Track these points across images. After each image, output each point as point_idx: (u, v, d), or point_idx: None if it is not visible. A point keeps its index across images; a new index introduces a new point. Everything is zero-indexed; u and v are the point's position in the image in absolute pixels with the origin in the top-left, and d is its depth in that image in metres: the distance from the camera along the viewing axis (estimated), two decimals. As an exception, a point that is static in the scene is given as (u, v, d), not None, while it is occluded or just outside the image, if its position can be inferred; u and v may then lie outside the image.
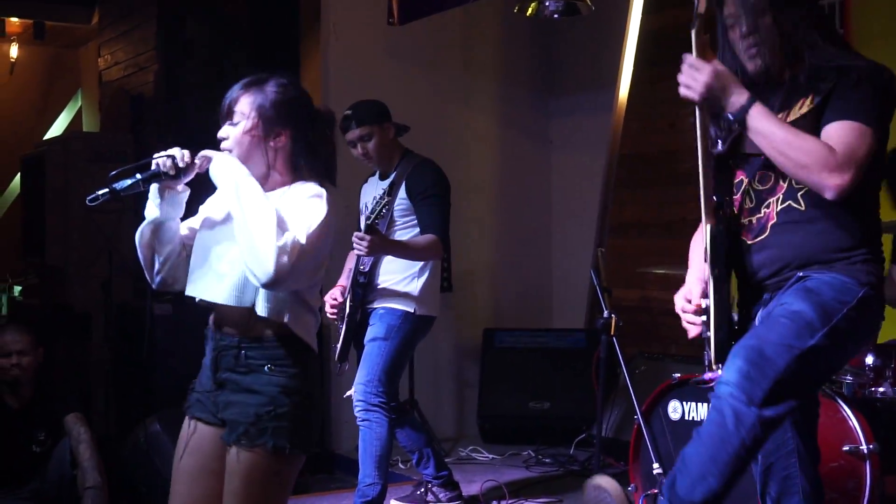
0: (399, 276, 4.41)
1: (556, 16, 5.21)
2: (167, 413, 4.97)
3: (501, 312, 6.48)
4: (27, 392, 4.61)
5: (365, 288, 4.41)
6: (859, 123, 2.51)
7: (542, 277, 6.64)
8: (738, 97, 2.55)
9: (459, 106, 6.30)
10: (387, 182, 4.44)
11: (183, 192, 2.78)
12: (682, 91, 2.58)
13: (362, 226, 4.45)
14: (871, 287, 2.62)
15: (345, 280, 4.59)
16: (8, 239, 8.90)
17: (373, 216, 4.17)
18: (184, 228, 2.83)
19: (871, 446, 3.62)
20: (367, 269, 4.41)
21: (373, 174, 4.69)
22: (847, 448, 3.61)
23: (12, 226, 8.50)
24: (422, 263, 4.41)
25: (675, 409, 3.96)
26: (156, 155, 2.68)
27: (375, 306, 4.43)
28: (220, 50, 6.36)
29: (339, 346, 4.49)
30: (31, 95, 10.22)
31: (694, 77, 2.56)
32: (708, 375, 2.70)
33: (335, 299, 4.49)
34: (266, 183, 2.69)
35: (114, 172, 2.67)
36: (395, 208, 4.40)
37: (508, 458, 5.65)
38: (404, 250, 4.34)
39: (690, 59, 2.56)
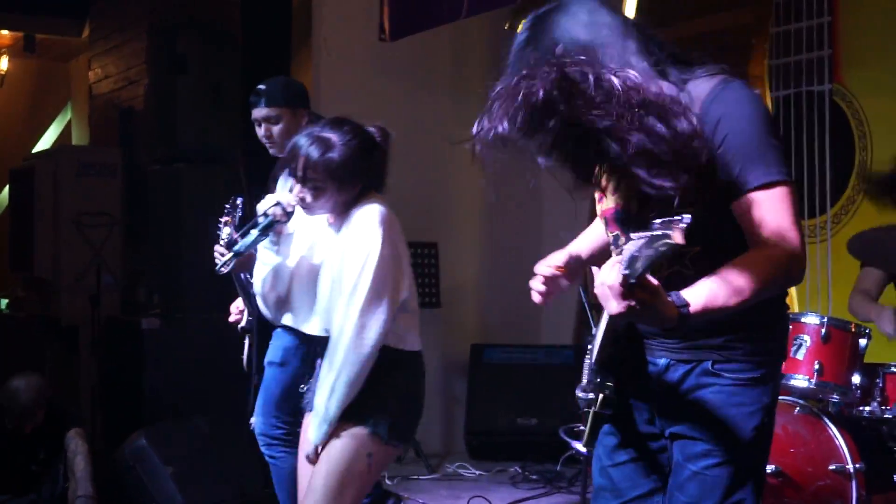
0: None
1: (546, 33, 5.22)
2: (153, 428, 4.95)
3: (489, 328, 6.47)
4: (39, 419, 4.67)
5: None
6: (777, 187, 2.01)
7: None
8: (668, 318, 1.90)
9: (449, 121, 6.31)
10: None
11: (289, 233, 3.09)
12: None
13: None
14: (770, 365, 2.16)
15: None
16: (-4, 251, 8.88)
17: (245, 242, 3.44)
18: None
19: (857, 465, 3.62)
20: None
21: None
22: (833, 467, 3.62)
23: (0, 238, 8.47)
24: None
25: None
26: (262, 208, 3.04)
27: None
28: (211, 65, 6.35)
29: (255, 358, 3.98)
30: (20, 108, 10.21)
31: (607, 300, 1.86)
32: (574, 445, 2.38)
33: (239, 308, 4.00)
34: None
35: (232, 240, 3.15)
36: None
37: (496, 474, 5.65)
38: None
39: (604, 278, 1.85)
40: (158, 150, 6.30)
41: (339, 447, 2.89)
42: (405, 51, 5.86)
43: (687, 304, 1.90)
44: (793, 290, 4.69)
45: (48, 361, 6.98)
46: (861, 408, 3.73)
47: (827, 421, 3.75)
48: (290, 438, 3.65)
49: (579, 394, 2.20)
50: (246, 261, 3.36)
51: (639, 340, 2.21)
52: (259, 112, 3.94)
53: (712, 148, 1.97)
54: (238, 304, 4.11)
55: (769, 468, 3.49)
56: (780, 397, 3.86)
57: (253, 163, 6.54)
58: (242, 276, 3.79)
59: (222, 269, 3.10)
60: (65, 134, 9.83)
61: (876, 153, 4.62)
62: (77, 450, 4.58)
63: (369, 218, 2.90)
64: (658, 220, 1.72)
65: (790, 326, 3.77)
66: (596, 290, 1.88)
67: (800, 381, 3.71)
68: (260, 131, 3.96)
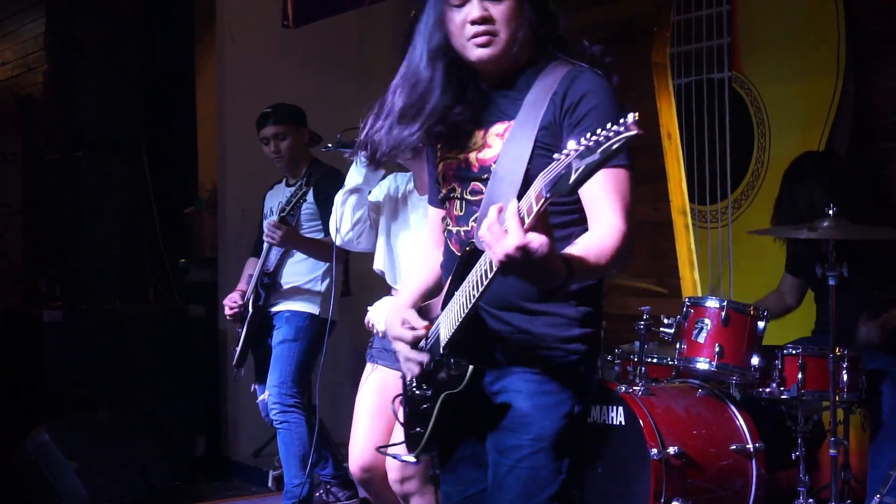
0: (304, 277, 4.47)
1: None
2: (56, 422, 4.85)
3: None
4: None
5: (268, 289, 4.43)
6: (621, 170, 2.06)
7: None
8: (557, 277, 1.88)
9: (356, 109, 6.26)
10: (294, 187, 4.46)
11: (378, 171, 3.34)
12: (480, 243, 1.87)
13: (265, 230, 4.47)
14: (580, 354, 2.18)
15: (244, 285, 4.59)
16: None
17: (288, 207, 4.28)
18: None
19: (757, 445, 3.72)
20: (271, 270, 4.44)
21: (279, 182, 4.72)
22: (734, 447, 3.70)
23: None
24: (325, 268, 4.45)
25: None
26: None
27: (279, 309, 4.48)
28: (112, 50, 6.23)
29: (238, 350, 4.49)
30: (-87, 95, 9.89)
31: (497, 238, 1.80)
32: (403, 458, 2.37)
33: (235, 302, 4.48)
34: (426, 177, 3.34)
35: (340, 137, 3.49)
36: (302, 212, 4.42)
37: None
38: (313, 247, 4.39)
39: (501, 216, 1.82)
40: (58, 138, 6.16)
41: None
42: (310, 37, 5.81)
43: (569, 256, 1.90)
44: (695, 275, 4.79)
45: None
46: (760, 389, 3.82)
47: (728, 402, 3.84)
48: (303, 403, 4.37)
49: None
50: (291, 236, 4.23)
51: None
52: (269, 130, 4.50)
53: (569, 117, 2.08)
54: (234, 297, 4.53)
55: (672, 450, 3.56)
56: (683, 380, 3.98)
57: (155, 149, 6.46)
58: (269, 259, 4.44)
59: (323, 149, 3.62)
60: (-40, 122, 9.55)
61: (774, 140, 4.72)
62: None
63: None
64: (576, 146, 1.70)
65: (691, 311, 3.87)
66: (483, 234, 1.82)
67: (701, 363, 3.78)
68: (268, 148, 4.53)
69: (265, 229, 4.32)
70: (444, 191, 2.29)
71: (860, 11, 4.50)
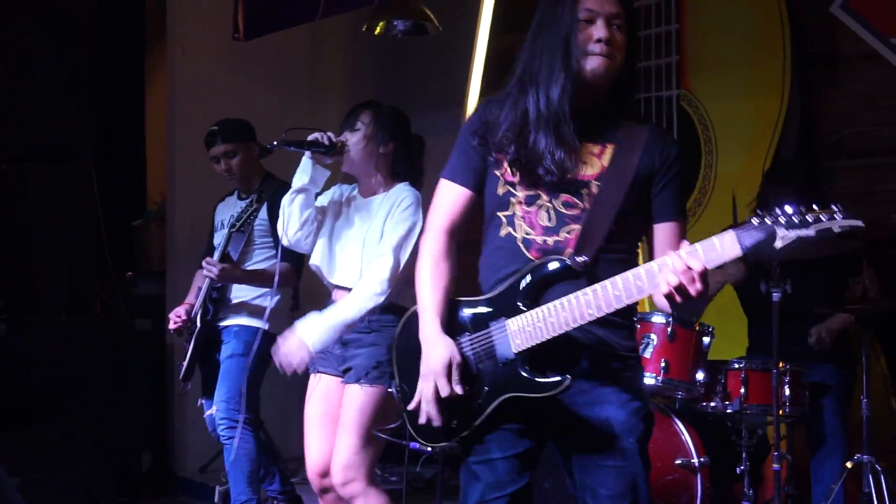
0: (253, 292, 4.43)
1: (403, 35, 5.23)
2: (-2, 439, 4.79)
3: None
4: None
5: (217, 303, 4.40)
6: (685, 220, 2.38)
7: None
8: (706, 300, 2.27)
9: (307, 123, 6.24)
10: (246, 201, 4.44)
11: (325, 172, 3.51)
12: (666, 288, 2.07)
13: (216, 242, 4.43)
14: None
15: (192, 298, 4.55)
16: None
17: (238, 223, 4.28)
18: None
19: (702, 459, 3.76)
20: (220, 284, 4.40)
21: (230, 194, 4.68)
22: (679, 461, 3.74)
23: None
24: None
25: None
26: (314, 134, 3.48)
27: (228, 323, 4.44)
28: (61, 61, 6.17)
29: (185, 364, 4.44)
30: None
31: (689, 283, 2.05)
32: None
33: (179, 316, 4.45)
34: (371, 182, 3.44)
35: (284, 135, 3.52)
36: (255, 227, 4.39)
37: (355, 476, 5.61)
38: (255, 279, 4.34)
39: (688, 261, 2.05)
40: (5, 149, 6.08)
41: (361, 411, 3.25)
42: (262, 50, 5.79)
43: None
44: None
45: None
46: (705, 403, 3.85)
47: (673, 417, 3.87)
48: (251, 419, 4.32)
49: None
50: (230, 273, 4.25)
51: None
52: (217, 149, 4.47)
53: (664, 172, 2.30)
54: (178, 311, 4.49)
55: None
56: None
57: (103, 161, 6.40)
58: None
59: (268, 145, 3.56)
60: None
61: (720, 157, 4.78)
62: None
63: (410, 197, 3.34)
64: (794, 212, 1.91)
65: (637, 326, 3.90)
66: (671, 280, 2.02)
67: (647, 378, 3.81)
68: (220, 167, 4.50)
69: (203, 265, 4.30)
70: (520, 194, 2.34)
71: (805, 33, 4.58)
